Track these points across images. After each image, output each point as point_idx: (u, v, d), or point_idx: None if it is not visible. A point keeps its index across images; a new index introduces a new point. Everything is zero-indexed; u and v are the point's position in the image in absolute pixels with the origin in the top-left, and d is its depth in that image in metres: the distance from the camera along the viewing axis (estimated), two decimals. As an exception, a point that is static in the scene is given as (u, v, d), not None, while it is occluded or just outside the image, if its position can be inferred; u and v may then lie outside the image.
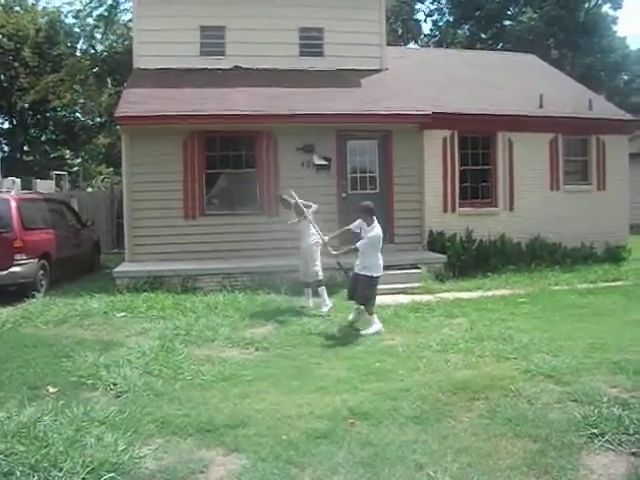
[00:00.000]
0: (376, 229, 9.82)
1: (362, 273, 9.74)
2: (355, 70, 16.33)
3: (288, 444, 5.23)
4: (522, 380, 6.83)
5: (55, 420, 5.59)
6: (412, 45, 43.05)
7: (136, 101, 13.93)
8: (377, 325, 9.53)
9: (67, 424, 5.48)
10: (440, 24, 45.29)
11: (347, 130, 14.83)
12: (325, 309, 10.64)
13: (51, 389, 6.64)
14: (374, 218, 9.90)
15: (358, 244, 9.76)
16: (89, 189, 34.38)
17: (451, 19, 44.66)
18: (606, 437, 5.26)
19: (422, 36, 45.39)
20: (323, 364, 7.74)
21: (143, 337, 8.97)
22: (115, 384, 6.74)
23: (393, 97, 15.27)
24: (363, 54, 16.54)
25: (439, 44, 42.66)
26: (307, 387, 6.76)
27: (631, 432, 5.33)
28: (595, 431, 5.36)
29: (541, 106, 16.37)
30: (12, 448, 5.02)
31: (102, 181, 42.61)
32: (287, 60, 16.12)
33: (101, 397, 6.46)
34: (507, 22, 42.23)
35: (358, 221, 10.12)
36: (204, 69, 15.69)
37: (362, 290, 9.65)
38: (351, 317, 10.04)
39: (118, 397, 6.44)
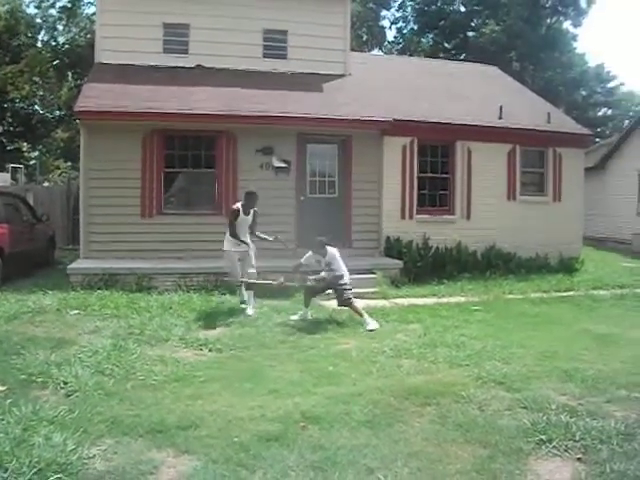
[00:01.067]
0: (331, 251, 10.71)
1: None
2: (318, 74, 16.43)
3: (239, 446, 5.21)
4: (473, 387, 6.92)
5: (2, 419, 5.48)
6: (376, 51, 43.31)
7: (96, 96, 13.75)
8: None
9: (14, 423, 5.37)
10: (405, 32, 45.74)
11: (308, 133, 14.86)
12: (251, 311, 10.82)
13: (0, 387, 6.52)
14: (327, 247, 10.68)
15: (324, 274, 10.68)
16: (46, 183, 33.82)
17: (416, 27, 45.08)
18: (553, 443, 5.36)
19: (386, 43, 45.70)
20: (276, 366, 7.72)
21: (96, 335, 8.85)
22: (66, 383, 6.62)
23: (355, 102, 15.34)
24: (327, 58, 16.63)
25: (403, 52, 42.99)
26: (259, 389, 6.74)
27: (577, 438, 5.44)
28: (543, 437, 5.46)
29: (500, 117, 16.61)
30: (-45, 448, 4.94)
31: (59, 175, 41.98)
32: (250, 61, 16.13)
33: (51, 396, 6.35)
34: (471, 33, 42.74)
35: (309, 253, 10.87)
36: (166, 67, 15.59)
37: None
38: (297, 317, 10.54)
39: (68, 396, 6.33)
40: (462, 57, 39.78)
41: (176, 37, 15.98)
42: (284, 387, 6.81)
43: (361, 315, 10.26)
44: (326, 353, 8.45)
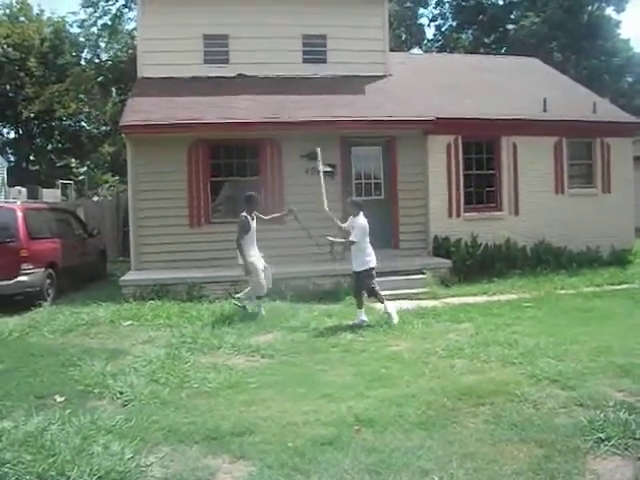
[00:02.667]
0: (359, 219, 10.64)
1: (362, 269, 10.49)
2: (359, 77, 16.38)
3: (294, 451, 5.24)
4: (527, 385, 6.83)
5: (62, 429, 5.64)
6: (416, 50, 43.15)
7: (140, 110, 13.99)
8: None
9: (74, 433, 5.53)
10: (443, 29, 45.41)
11: (351, 137, 14.88)
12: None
13: (58, 398, 6.68)
14: (360, 211, 10.73)
15: (353, 236, 10.49)
16: (95, 198, 34.47)
17: (454, 24, 44.75)
18: (612, 442, 5.24)
19: (425, 41, 45.47)
20: (328, 371, 7.75)
21: (149, 345, 9.01)
22: (122, 393, 6.77)
23: (397, 103, 15.31)
24: (366, 60, 16.60)
25: (442, 49, 42.70)
26: (312, 394, 6.77)
27: (637, 436, 5.32)
28: (601, 436, 5.34)
29: (545, 110, 16.37)
30: (19, 457, 5.08)
31: (108, 189, 42.75)
32: (290, 67, 16.21)
33: (108, 406, 6.49)
34: (510, 26, 42.23)
35: (350, 219, 10.81)
36: (208, 77, 15.78)
37: (367, 283, 10.48)
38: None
39: (125, 406, 6.47)
40: (502, 51, 39.43)
41: (216, 48, 16.15)
42: (337, 391, 6.83)
43: (383, 304, 10.48)
44: (378, 355, 8.44)
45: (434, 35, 46.20)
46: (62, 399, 6.67)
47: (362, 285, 10.58)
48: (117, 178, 42.30)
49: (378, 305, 11.24)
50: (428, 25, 46.32)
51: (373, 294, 10.60)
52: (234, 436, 5.58)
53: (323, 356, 8.47)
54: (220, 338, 9.26)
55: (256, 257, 10.89)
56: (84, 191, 38.09)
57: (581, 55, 39.73)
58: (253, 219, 10.91)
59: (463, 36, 44.64)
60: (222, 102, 14.61)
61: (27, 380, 7.41)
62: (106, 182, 44.50)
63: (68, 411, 6.09)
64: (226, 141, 14.36)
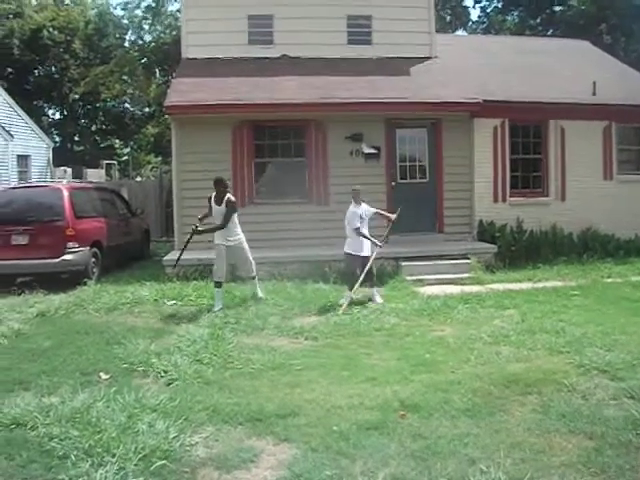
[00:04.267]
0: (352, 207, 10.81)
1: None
2: (404, 58, 16.17)
3: (339, 435, 5.18)
4: (576, 375, 6.67)
5: (108, 406, 5.68)
6: (460, 32, 42.52)
7: (185, 90, 14.01)
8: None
9: (119, 410, 5.55)
10: (488, 11, 44.62)
11: (396, 118, 14.70)
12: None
13: (103, 375, 6.74)
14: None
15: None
16: (138, 178, 34.80)
17: (500, 5, 43.94)
18: (666, 438, 5.07)
19: (470, 23, 44.78)
20: (373, 354, 7.68)
21: (193, 325, 9.03)
22: (166, 372, 6.79)
23: (443, 85, 15.09)
24: (412, 41, 16.38)
25: (487, 31, 41.98)
26: (357, 377, 6.71)
27: (692, 432, 5.14)
28: (654, 431, 5.17)
29: (594, 93, 15.98)
30: (66, 433, 5.14)
31: (150, 170, 43.14)
32: (335, 48, 16.05)
33: (152, 384, 6.51)
34: (557, 8, 41.35)
35: (354, 207, 10.80)
36: (252, 58, 15.72)
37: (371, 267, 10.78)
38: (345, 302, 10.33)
39: (169, 385, 6.48)
40: (549, 34, 38.59)
41: (261, 28, 16.08)
42: (381, 375, 6.75)
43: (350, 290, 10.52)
44: (422, 340, 8.34)
45: (479, 17, 45.48)
46: (107, 376, 6.73)
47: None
48: (160, 159, 42.63)
49: (422, 290, 11.22)
50: (473, 7, 45.65)
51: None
52: (278, 418, 5.54)
53: (367, 339, 8.41)
54: (263, 319, 9.26)
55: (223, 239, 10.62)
56: (128, 172, 38.48)
57: (631, 38, 38.75)
58: (220, 205, 10.63)
59: (509, 18, 43.82)
60: (267, 83, 14.55)
61: (73, 357, 7.50)
62: (149, 163, 44.90)
63: (113, 389, 6.13)
64: (271, 122, 14.31)
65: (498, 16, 43.23)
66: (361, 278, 10.46)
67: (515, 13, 43.66)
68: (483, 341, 8.15)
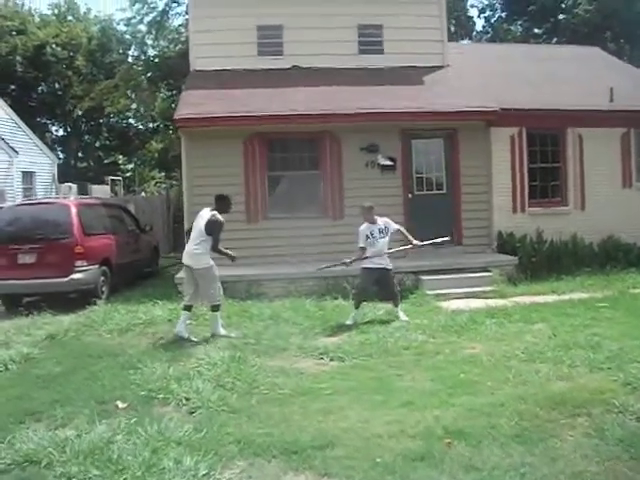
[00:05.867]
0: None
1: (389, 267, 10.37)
2: (416, 67, 15.80)
3: (383, 468, 4.77)
4: (624, 394, 6.26)
5: (128, 439, 5.27)
6: (465, 42, 42.23)
7: (195, 103, 13.65)
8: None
9: (142, 445, 5.13)
10: (493, 21, 44.44)
11: (412, 129, 14.34)
12: (232, 333, 9.28)
13: (120, 404, 6.31)
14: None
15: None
16: (142, 194, 34.52)
17: (504, 15, 43.78)
18: None
19: (474, 33, 44.56)
20: (404, 375, 7.25)
21: (211, 346, 8.57)
22: (188, 399, 6.35)
23: (457, 94, 14.71)
24: (424, 50, 16.00)
25: (492, 41, 41.65)
26: (392, 401, 6.29)
27: None
28: None
29: (612, 100, 15.59)
30: (86, 472, 4.74)
31: (155, 185, 42.90)
32: (346, 58, 15.66)
33: (174, 413, 6.09)
34: (562, 16, 41.16)
35: (364, 225, 10.29)
36: (262, 69, 15.34)
37: (392, 285, 10.42)
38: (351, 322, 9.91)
39: (192, 413, 6.06)
40: (553, 42, 38.35)
41: (270, 39, 15.73)
42: (418, 398, 6.33)
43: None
44: (454, 359, 7.93)
45: (483, 27, 45.28)
46: (125, 405, 6.30)
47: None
48: (164, 174, 42.36)
49: (445, 304, 10.84)
50: (478, 16, 45.29)
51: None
52: (315, 450, 5.11)
53: (396, 359, 7.98)
54: (285, 339, 8.85)
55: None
56: (132, 187, 38.21)
57: (636, 45, 38.50)
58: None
59: (512, 28, 43.64)
60: (278, 94, 14.20)
61: (86, 383, 7.07)
62: (153, 178, 44.63)
63: (133, 419, 5.70)
64: (283, 134, 13.94)
65: (502, 25, 43.01)
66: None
67: (519, 22, 43.47)
68: (518, 358, 7.74)
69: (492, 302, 11.46)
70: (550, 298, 11.88)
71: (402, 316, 10.18)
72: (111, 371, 7.54)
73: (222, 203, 9.57)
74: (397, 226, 10.53)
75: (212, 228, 9.24)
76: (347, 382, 7.01)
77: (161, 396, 6.52)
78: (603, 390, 6.37)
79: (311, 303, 11.26)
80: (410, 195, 14.37)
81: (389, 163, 13.96)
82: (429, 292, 12.04)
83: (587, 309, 10.73)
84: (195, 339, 9.02)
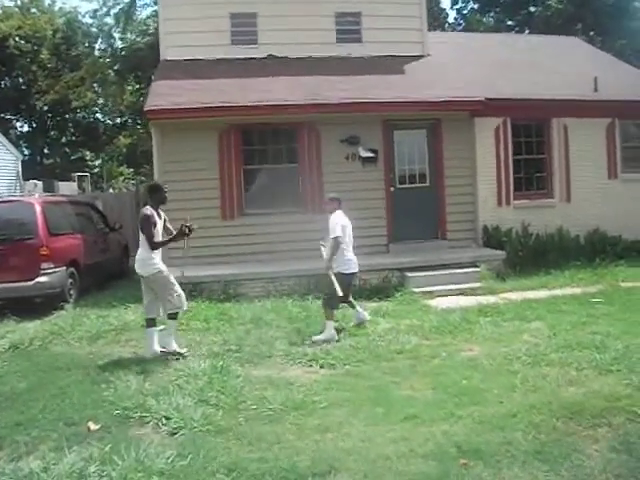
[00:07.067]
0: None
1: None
2: (396, 56, 15.25)
3: (397, 497, 4.19)
4: (641, 399, 5.75)
5: (103, 471, 4.58)
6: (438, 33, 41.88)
7: (166, 93, 12.92)
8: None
9: (118, 478, 4.46)
10: (465, 12, 44.17)
11: (394, 119, 13.77)
12: (183, 349, 8.09)
13: (92, 426, 5.60)
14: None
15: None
16: (110, 190, 33.67)
17: (476, 7, 43.52)
18: None
19: (447, 25, 44.19)
20: (402, 383, 6.68)
21: (190, 355, 7.92)
22: (168, 418, 5.68)
23: (440, 83, 14.20)
24: (404, 39, 15.51)
25: (464, 32, 41.47)
26: (393, 414, 5.71)
27: None
28: None
29: (596, 89, 15.20)
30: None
31: (123, 181, 42.10)
32: (323, 47, 15.11)
33: (153, 435, 5.44)
34: (533, 8, 40.99)
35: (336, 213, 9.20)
36: (236, 59, 14.71)
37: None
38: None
39: (173, 434, 5.40)
40: (526, 33, 38.14)
41: (244, 27, 15.09)
42: (422, 411, 5.76)
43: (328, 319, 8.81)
44: (452, 363, 7.39)
45: (455, 19, 45.00)
46: (97, 427, 5.60)
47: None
48: (132, 170, 41.52)
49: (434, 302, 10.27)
50: (451, 8, 44.93)
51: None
52: (316, 477, 4.51)
53: (390, 365, 7.40)
54: (269, 344, 8.22)
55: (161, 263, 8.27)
56: (100, 184, 37.32)
57: (607, 36, 38.41)
58: (160, 216, 8.28)
59: (484, 20, 43.38)
60: (253, 84, 13.55)
61: (54, 402, 6.32)
62: (121, 174, 43.74)
63: (109, 446, 5.00)
64: (260, 125, 13.30)
65: (475, 17, 42.74)
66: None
67: (491, 14, 43.24)
68: (521, 361, 7.25)
69: (482, 299, 11.04)
70: (541, 294, 11.43)
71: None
72: (81, 386, 6.82)
73: (156, 195, 8.31)
74: (336, 233, 8.98)
75: (141, 225, 8.14)
76: (341, 393, 6.40)
77: (137, 415, 5.85)
78: (619, 396, 5.93)
79: (293, 304, 10.67)
80: (392, 188, 13.81)
81: (370, 155, 13.39)
82: (416, 290, 11.53)
83: (581, 305, 10.34)
84: (183, 351, 8.05)
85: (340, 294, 8.67)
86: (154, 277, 8.08)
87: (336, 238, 8.86)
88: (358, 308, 9.39)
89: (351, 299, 9.38)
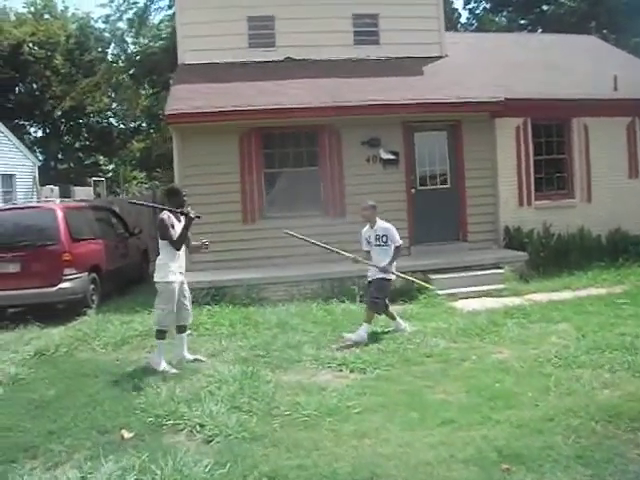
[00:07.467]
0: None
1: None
2: (414, 58, 15.17)
3: (442, 504, 4.13)
4: (680, 402, 5.64)
5: (142, 481, 4.53)
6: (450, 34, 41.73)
7: (186, 97, 12.88)
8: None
9: (158, 488, 4.41)
10: (477, 12, 43.99)
11: (414, 121, 13.67)
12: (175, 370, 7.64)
13: (126, 434, 5.55)
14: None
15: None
16: (124, 194, 33.74)
17: (488, 6, 43.34)
18: None
19: (459, 25, 44.04)
20: (434, 387, 6.62)
21: (218, 361, 7.86)
22: (202, 425, 5.62)
23: (459, 84, 14.10)
24: (421, 40, 15.40)
25: (477, 32, 41.29)
26: (430, 419, 5.65)
27: None
28: None
29: (616, 88, 15.04)
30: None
31: (136, 185, 42.19)
32: (341, 49, 15.05)
33: (187, 442, 5.39)
34: (546, 6, 40.73)
35: (366, 227, 9.32)
36: (254, 62, 14.69)
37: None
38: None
39: (209, 442, 5.34)
40: (539, 32, 37.93)
41: (262, 30, 15.09)
42: (458, 415, 5.71)
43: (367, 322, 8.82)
44: (482, 366, 7.32)
45: (467, 19, 44.84)
46: (130, 435, 5.55)
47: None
48: (145, 174, 41.58)
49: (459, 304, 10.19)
50: (464, 8, 44.70)
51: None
52: (360, 483, 4.44)
53: (420, 368, 7.34)
54: (297, 349, 8.16)
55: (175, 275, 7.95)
56: (114, 188, 37.41)
57: (621, 34, 38.14)
58: (180, 220, 7.95)
59: (496, 19, 43.20)
60: (272, 87, 13.50)
61: (85, 410, 6.26)
62: (135, 179, 43.83)
63: (145, 455, 4.94)
64: (281, 129, 13.25)
65: (487, 17, 42.57)
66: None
67: (504, 14, 43.04)
68: (552, 363, 7.18)
69: (507, 301, 10.95)
70: (566, 295, 11.32)
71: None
72: (111, 393, 6.78)
73: (174, 198, 8.07)
74: (400, 241, 9.18)
75: (159, 231, 7.93)
76: (375, 397, 6.34)
77: (170, 422, 5.79)
78: (655, 399, 5.79)
79: (318, 307, 10.62)
80: (413, 190, 13.72)
81: (391, 157, 13.32)
82: (440, 292, 11.41)
83: (607, 306, 10.21)
84: (203, 359, 8.02)
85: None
86: (159, 285, 7.96)
87: (399, 246, 9.01)
88: (398, 319, 9.26)
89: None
